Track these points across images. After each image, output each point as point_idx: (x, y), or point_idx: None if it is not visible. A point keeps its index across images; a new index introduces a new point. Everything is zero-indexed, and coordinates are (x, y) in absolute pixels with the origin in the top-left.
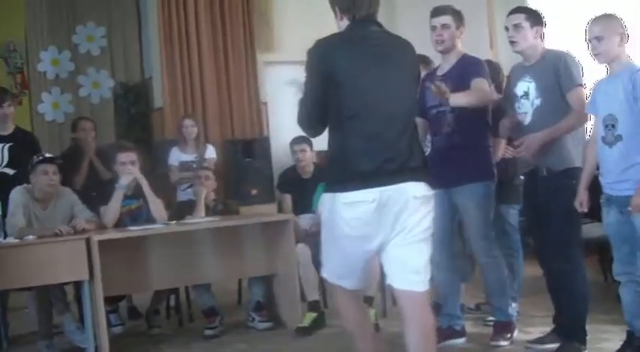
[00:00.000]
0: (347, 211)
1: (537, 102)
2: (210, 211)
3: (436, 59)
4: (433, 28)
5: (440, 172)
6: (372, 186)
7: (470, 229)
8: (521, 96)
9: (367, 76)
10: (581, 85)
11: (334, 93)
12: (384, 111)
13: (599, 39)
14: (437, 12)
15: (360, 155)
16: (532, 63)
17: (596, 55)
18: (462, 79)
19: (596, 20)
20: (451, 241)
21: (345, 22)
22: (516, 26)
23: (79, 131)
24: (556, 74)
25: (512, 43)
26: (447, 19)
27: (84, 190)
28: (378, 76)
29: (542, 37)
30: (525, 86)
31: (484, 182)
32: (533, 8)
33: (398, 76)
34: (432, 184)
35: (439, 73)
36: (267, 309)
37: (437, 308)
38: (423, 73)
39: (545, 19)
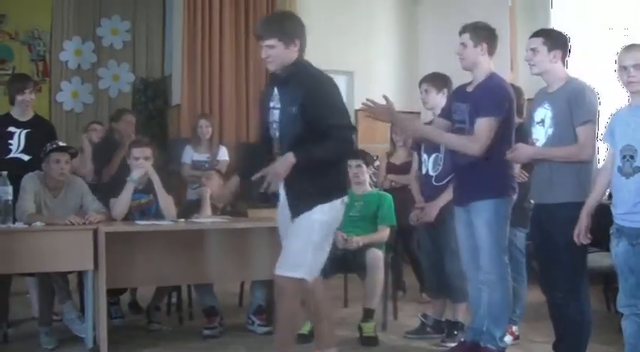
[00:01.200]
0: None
1: (550, 131)
2: (218, 211)
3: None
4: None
5: (459, 189)
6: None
7: (480, 249)
8: (538, 123)
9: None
10: (592, 122)
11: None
12: None
13: (637, 67)
14: (460, 31)
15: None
16: (554, 90)
17: (630, 83)
18: (477, 108)
19: (635, 47)
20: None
21: (295, 55)
22: (533, 50)
23: (120, 122)
24: (569, 105)
25: (529, 65)
26: (463, 37)
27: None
28: None
29: (563, 60)
30: (543, 113)
31: (494, 199)
32: (557, 31)
33: None
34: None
35: (468, 88)
36: (268, 313)
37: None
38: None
39: (569, 42)
